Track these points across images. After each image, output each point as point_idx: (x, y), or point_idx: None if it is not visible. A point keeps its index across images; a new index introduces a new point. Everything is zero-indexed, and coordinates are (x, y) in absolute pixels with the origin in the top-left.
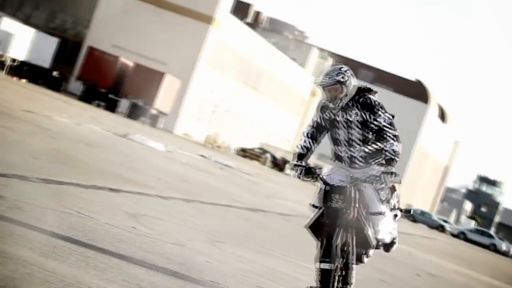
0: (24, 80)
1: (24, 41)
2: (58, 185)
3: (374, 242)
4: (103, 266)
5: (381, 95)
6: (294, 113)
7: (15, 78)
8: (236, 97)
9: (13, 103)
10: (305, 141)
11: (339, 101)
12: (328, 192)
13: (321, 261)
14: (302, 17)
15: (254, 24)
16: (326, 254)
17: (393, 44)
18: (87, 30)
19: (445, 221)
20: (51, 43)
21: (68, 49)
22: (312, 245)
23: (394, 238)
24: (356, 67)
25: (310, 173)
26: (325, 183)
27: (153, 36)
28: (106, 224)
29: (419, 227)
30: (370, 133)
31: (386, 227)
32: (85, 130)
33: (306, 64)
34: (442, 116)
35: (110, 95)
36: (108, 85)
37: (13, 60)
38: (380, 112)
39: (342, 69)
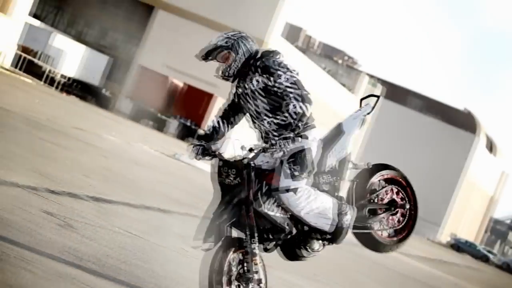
0: (74, 97)
1: (75, 58)
2: (107, 203)
3: (285, 225)
4: (152, 286)
5: (429, 125)
6: None
7: (64, 94)
8: None
9: (63, 120)
10: (213, 121)
11: (228, 68)
12: (221, 167)
13: (203, 240)
14: (352, 43)
15: (305, 49)
16: (207, 232)
17: (444, 73)
18: (137, 48)
19: (490, 252)
20: (101, 61)
21: (118, 67)
22: (359, 272)
23: (338, 226)
24: (405, 94)
25: (206, 151)
26: (220, 158)
27: None
28: (155, 244)
29: (463, 258)
30: (276, 99)
31: (309, 209)
32: (134, 149)
33: (356, 90)
34: (491, 147)
35: (159, 115)
36: (157, 105)
37: (64, 77)
38: (280, 72)
39: (229, 33)
